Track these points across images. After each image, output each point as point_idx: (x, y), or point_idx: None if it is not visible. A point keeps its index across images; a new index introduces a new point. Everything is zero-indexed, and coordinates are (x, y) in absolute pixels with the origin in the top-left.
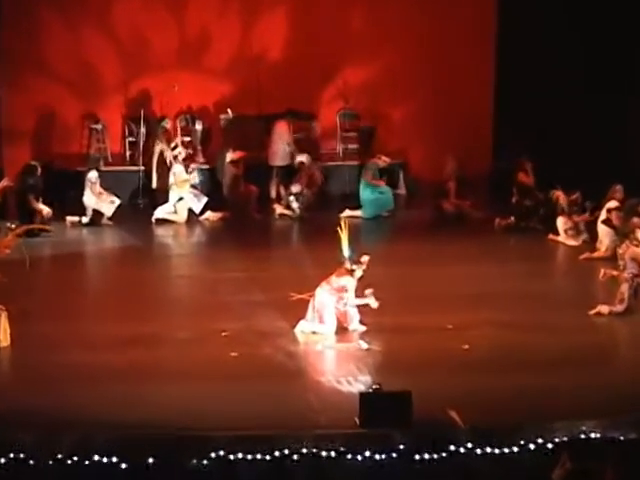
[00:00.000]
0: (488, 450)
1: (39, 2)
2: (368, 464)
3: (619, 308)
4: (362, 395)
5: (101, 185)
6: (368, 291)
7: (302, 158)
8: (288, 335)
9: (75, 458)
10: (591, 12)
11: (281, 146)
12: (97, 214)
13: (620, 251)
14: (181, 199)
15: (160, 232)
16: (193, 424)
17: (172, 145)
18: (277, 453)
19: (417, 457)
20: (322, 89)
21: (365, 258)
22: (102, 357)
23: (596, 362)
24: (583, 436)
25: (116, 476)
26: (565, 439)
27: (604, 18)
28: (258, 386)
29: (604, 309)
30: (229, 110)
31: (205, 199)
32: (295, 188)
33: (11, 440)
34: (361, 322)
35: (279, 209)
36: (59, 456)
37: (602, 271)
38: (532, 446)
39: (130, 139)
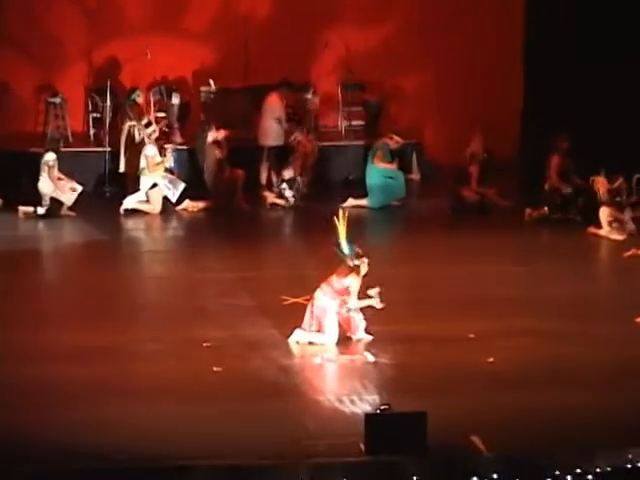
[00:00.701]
0: None
1: None
2: None
3: None
4: (368, 417)
5: (60, 169)
6: (373, 290)
7: (297, 136)
8: (281, 346)
9: None
10: None
11: (272, 123)
12: (55, 203)
13: None
14: (155, 186)
15: (130, 225)
16: (168, 453)
17: (144, 122)
18: None
19: None
20: (321, 56)
21: (359, 250)
22: (59, 372)
23: None
24: (629, 466)
25: None
26: (608, 469)
27: None
28: (245, 407)
29: None
30: (211, 81)
31: (183, 186)
32: (288, 173)
33: None
34: (367, 331)
35: (270, 198)
36: None
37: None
38: (569, 478)
39: (94, 115)
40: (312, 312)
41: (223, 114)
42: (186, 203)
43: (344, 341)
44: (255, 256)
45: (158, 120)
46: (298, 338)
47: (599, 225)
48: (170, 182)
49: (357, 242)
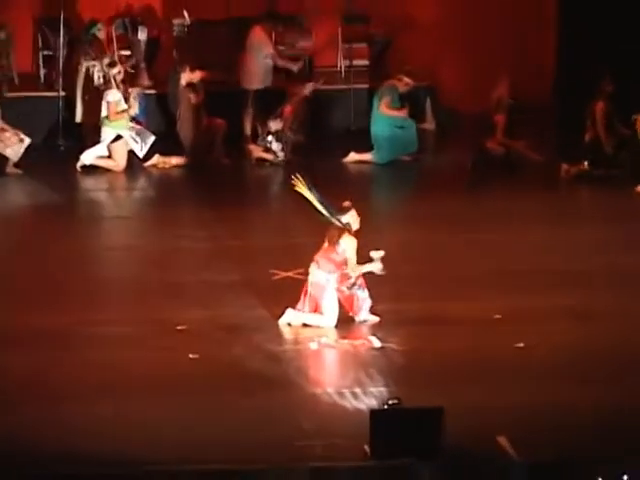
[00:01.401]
0: None
1: None
2: None
3: None
4: (374, 413)
5: (3, 118)
6: (376, 253)
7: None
8: (270, 329)
9: None
10: None
11: (258, 62)
12: None
13: None
14: (118, 138)
15: (89, 184)
16: (137, 457)
17: (105, 62)
18: None
19: None
20: None
21: (344, 203)
22: (3, 361)
23: None
24: None
25: None
26: None
27: None
28: (227, 402)
29: None
30: (185, 12)
31: (152, 138)
32: (276, 124)
33: None
34: (373, 311)
35: (256, 152)
36: None
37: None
38: None
39: (45, 52)
40: (307, 289)
41: (199, 52)
42: (156, 159)
43: (345, 323)
44: (239, 222)
45: (122, 59)
46: (290, 319)
47: None
48: (137, 134)
49: (340, 197)
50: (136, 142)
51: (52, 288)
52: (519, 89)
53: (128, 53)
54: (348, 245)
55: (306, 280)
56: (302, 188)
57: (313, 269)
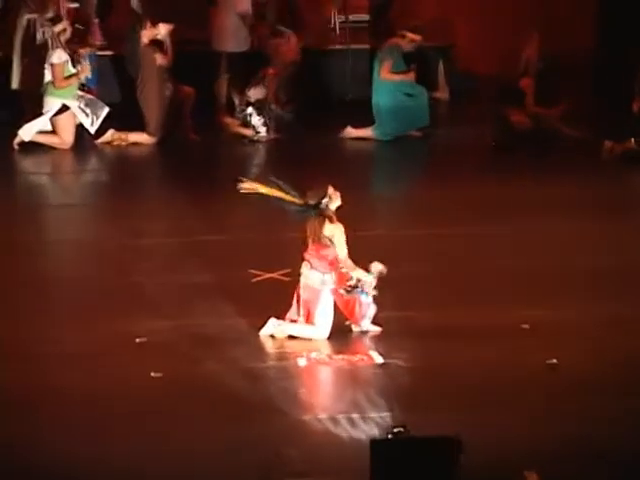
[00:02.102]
0: None
1: None
2: None
3: None
4: (375, 444)
5: None
6: (376, 266)
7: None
8: (249, 342)
9: None
10: None
11: (233, 19)
12: None
13: None
14: (65, 109)
15: (29, 165)
16: None
17: (49, 16)
18: None
19: None
20: None
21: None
22: None
23: None
24: None
25: None
26: None
27: None
28: (198, 431)
29: None
30: None
31: (106, 110)
32: (256, 92)
33: None
34: (374, 320)
35: (232, 126)
36: None
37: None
38: None
39: None
40: (299, 295)
41: (162, 4)
42: (110, 134)
43: (341, 334)
44: (211, 212)
45: (70, 12)
46: (274, 330)
47: None
48: (87, 104)
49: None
50: (86, 114)
51: None
52: (551, 50)
53: (76, 5)
54: (335, 232)
55: (297, 284)
56: (254, 186)
57: (305, 271)
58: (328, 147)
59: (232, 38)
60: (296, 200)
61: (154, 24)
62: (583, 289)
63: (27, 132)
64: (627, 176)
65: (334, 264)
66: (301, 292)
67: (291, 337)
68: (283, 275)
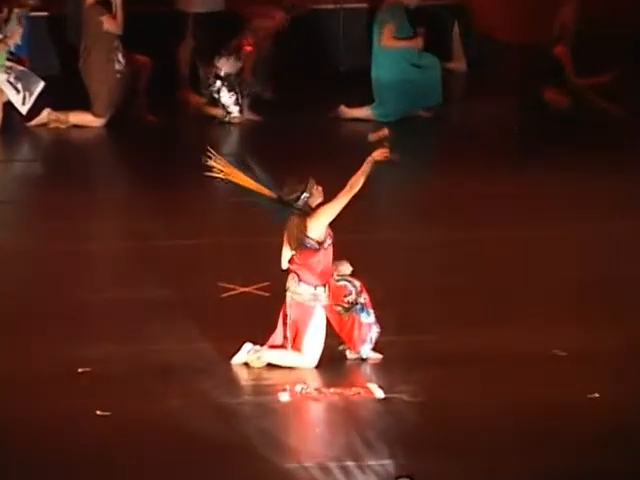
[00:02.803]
0: None
1: None
2: None
3: None
4: None
5: None
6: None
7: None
8: (220, 372)
9: None
10: None
11: None
12: None
13: None
14: None
15: None
16: None
17: None
18: None
19: None
20: None
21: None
22: None
23: None
24: None
25: None
26: None
27: None
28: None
29: None
30: None
31: (41, 84)
32: (227, 64)
33: None
34: (374, 346)
35: (198, 104)
36: None
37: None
38: None
39: None
40: (286, 315)
41: None
42: (46, 115)
43: (333, 362)
44: (172, 211)
45: None
46: (249, 358)
47: None
48: (18, 77)
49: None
50: (16, 90)
51: None
52: (592, 12)
53: None
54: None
55: (283, 303)
56: (225, 170)
57: (292, 285)
58: (317, 131)
59: None
60: (271, 194)
61: None
62: (629, 307)
63: None
64: None
65: (325, 275)
66: (288, 311)
67: (271, 366)
68: (260, 289)
